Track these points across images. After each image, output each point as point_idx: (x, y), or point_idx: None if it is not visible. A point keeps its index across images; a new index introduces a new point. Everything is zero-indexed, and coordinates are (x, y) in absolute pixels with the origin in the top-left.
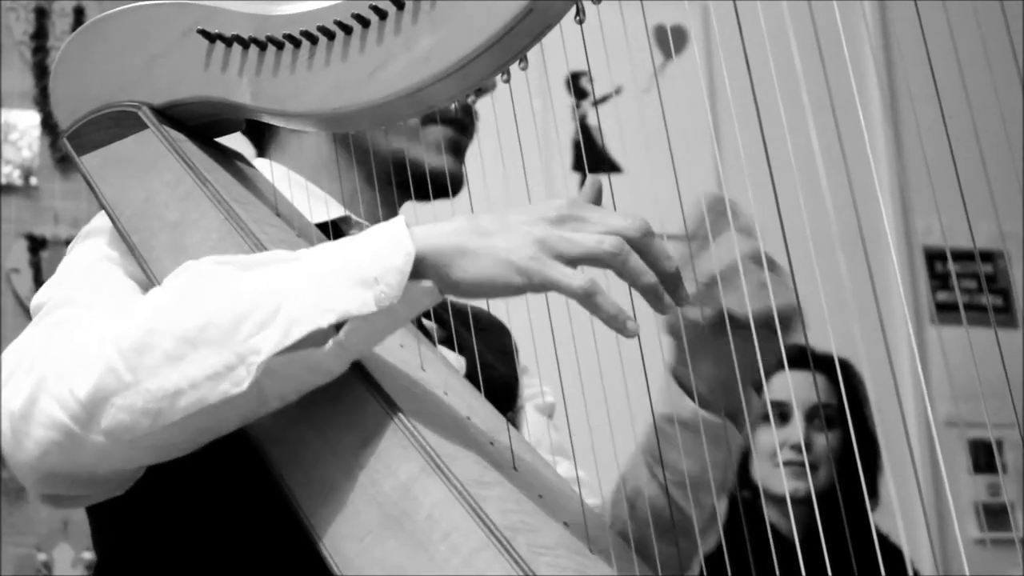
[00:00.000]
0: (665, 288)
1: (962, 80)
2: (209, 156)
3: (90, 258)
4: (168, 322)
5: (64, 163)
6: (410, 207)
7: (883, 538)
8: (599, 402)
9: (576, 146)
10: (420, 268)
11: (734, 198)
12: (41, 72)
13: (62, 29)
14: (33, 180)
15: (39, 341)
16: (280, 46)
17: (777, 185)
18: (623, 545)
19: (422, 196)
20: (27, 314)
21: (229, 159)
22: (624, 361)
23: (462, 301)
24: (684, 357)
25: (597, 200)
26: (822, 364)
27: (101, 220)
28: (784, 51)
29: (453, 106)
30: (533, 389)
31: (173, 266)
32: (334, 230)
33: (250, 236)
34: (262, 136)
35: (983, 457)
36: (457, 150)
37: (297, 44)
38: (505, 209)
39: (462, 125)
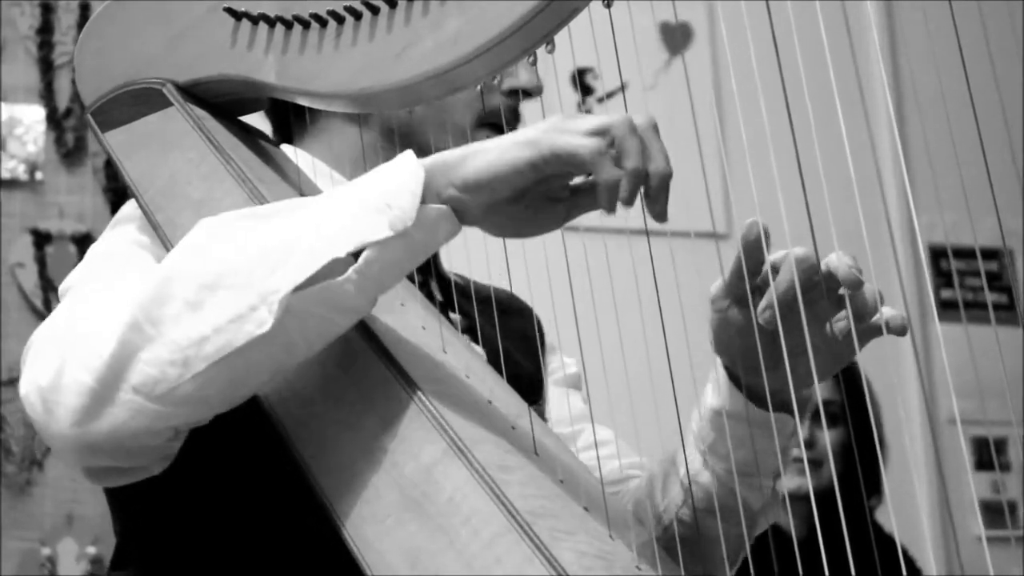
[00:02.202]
0: (654, 186)
1: (966, 77)
2: (233, 134)
3: (118, 244)
4: (186, 271)
5: (69, 158)
6: None
7: (885, 536)
8: (621, 379)
9: None
10: (432, 184)
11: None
12: (46, 67)
13: (68, 24)
14: (38, 175)
15: (62, 316)
16: (306, 25)
17: (781, 182)
18: (643, 530)
19: None
20: (32, 309)
21: (253, 138)
22: (647, 340)
23: (484, 284)
24: (736, 352)
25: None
26: None
27: (130, 208)
28: (789, 48)
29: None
30: (555, 364)
31: None
32: None
33: None
34: (288, 123)
35: (985, 455)
36: None
37: (324, 23)
38: None
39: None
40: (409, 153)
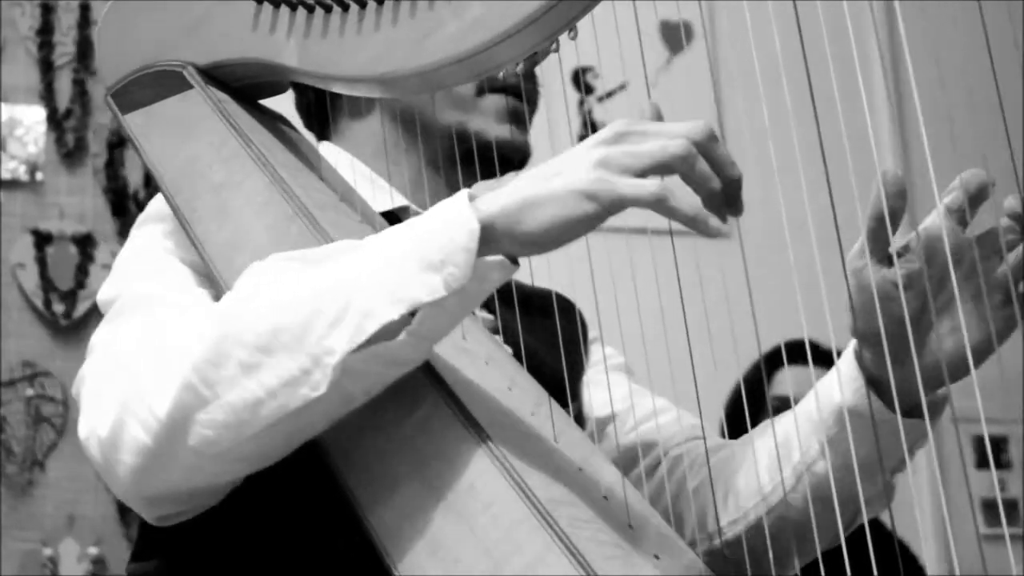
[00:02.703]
0: (726, 194)
1: (994, 76)
2: (254, 118)
3: (150, 249)
4: (240, 329)
5: (69, 158)
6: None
7: (888, 534)
8: (665, 374)
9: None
10: (489, 237)
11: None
12: (46, 67)
13: (68, 24)
14: (39, 175)
15: (115, 350)
16: (328, 9)
17: (782, 180)
18: (662, 519)
19: (487, 171)
20: (32, 309)
21: (273, 122)
22: (665, 334)
23: (513, 279)
24: (875, 330)
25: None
26: (827, 359)
27: (155, 206)
28: (789, 46)
29: (502, 74)
30: (599, 355)
31: (216, 228)
32: (392, 221)
33: (294, 199)
34: (323, 122)
35: (987, 453)
36: (518, 118)
37: (346, 8)
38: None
39: (522, 92)
40: (463, 199)
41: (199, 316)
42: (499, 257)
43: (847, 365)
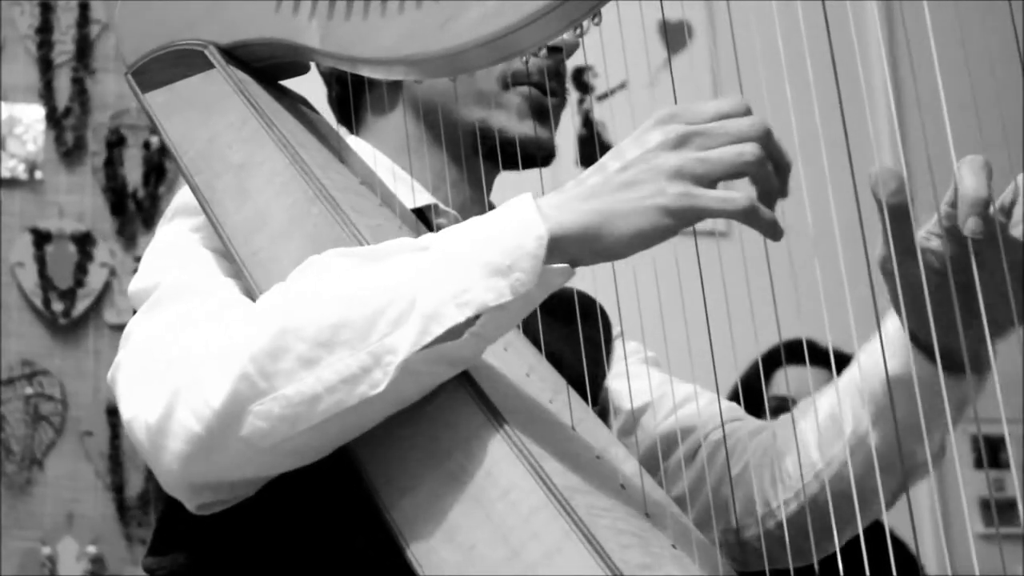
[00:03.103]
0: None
1: (1002, 77)
2: (275, 99)
3: (182, 243)
4: (299, 323)
5: (69, 157)
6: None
7: (884, 532)
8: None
9: (581, 141)
10: (558, 245)
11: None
12: (46, 66)
13: (67, 23)
14: (38, 174)
15: (156, 341)
16: None
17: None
18: (680, 509)
19: (509, 167)
20: (32, 308)
21: (294, 103)
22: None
23: None
24: (925, 317)
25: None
26: (824, 359)
27: (183, 199)
28: (789, 46)
29: (528, 65)
30: (622, 351)
31: (236, 208)
32: (419, 218)
33: (314, 181)
34: (348, 118)
35: (988, 452)
36: (542, 114)
37: None
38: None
39: (548, 88)
40: (529, 202)
41: (253, 307)
42: (564, 265)
43: (895, 337)
